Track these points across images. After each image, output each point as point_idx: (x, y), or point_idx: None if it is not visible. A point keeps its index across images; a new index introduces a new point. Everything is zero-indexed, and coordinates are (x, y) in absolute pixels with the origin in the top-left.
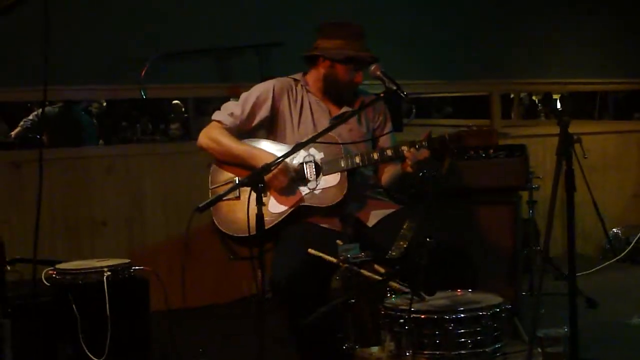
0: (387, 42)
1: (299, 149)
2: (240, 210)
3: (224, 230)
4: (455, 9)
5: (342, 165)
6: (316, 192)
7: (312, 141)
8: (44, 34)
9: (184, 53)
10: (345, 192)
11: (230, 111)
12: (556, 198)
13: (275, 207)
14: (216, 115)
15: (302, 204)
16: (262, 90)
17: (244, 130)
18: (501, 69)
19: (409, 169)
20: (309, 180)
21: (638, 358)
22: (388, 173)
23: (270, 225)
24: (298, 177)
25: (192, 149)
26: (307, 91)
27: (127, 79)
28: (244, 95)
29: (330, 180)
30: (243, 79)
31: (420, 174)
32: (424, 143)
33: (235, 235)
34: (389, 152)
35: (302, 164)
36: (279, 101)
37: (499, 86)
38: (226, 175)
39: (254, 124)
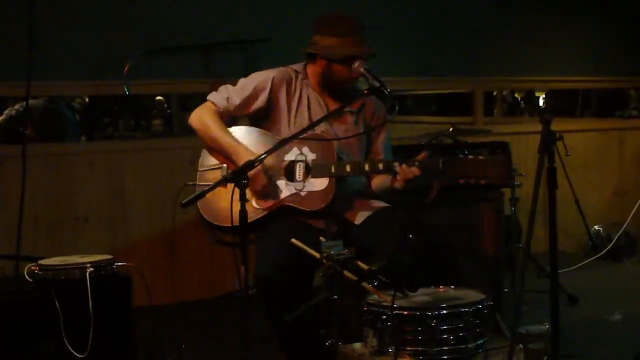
0: (371, 39)
1: (281, 146)
2: (225, 199)
3: (206, 218)
4: (438, 6)
5: (332, 171)
6: (302, 193)
7: (295, 137)
8: (28, 29)
9: (168, 49)
10: (329, 199)
11: (226, 95)
12: (538, 195)
13: (259, 201)
14: (212, 96)
15: (285, 204)
16: (260, 79)
17: (237, 117)
18: (484, 66)
19: (397, 185)
20: (297, 180)
21: (619, 354)
22: (378, 181)
23: (252, 220)
24: (287, 174)
25: (174, 145)
26: (307, 85)
27: (111, 74)
28: (242, 82)
29: (318, 184)
30: (228, 75)
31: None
32: (416, 163)
33: (217, 224)
34: (380, 166)
35: (293, 161)
36: (277, 92)
37: (482, 83)
38: (214, 160)
39: (248, 113)
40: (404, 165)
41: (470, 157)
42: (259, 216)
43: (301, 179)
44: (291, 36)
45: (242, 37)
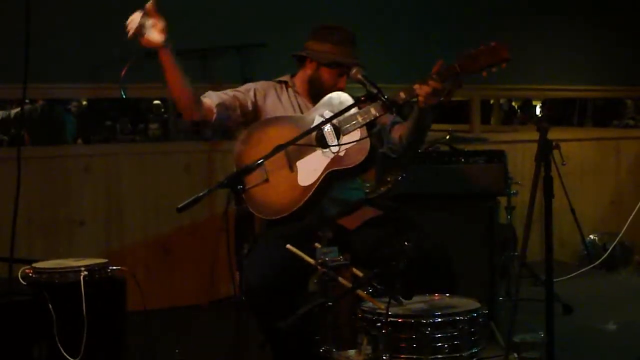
0: (368, 45)
1: (278, 152)
2: (274, 193)
3: (264, 217)
4: (435, 13)
5: (360, 120)
6: (340, 154)
7: (293, 142)
8: (25, 31)
9: None
10: (368, 147)
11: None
12: (534, 204)
13: (305, 179)
14: None
15: (328, 170)
16: (245, 85)
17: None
18: (481, 74)
19: (422, 105)
20: (331, 144)
21: None
22: (401, 129)
23: (305, 200)
24: (320, 144)
25: (171, 149)
26: (295, 92)
27: (108, 78)
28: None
29: (351, 138)
30: (224, 80)
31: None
32: (434, 76)
33: (275, 217)
34: (402, 95)
35: (320, 129)
36: (263, 100)
37: (479, 92)
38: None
39: (239, 115)
40: (422, 85)
41: (479, 47)
42: (308, 196)
43: (334, 140)
44: (287, 41)
45: (239, 42)
